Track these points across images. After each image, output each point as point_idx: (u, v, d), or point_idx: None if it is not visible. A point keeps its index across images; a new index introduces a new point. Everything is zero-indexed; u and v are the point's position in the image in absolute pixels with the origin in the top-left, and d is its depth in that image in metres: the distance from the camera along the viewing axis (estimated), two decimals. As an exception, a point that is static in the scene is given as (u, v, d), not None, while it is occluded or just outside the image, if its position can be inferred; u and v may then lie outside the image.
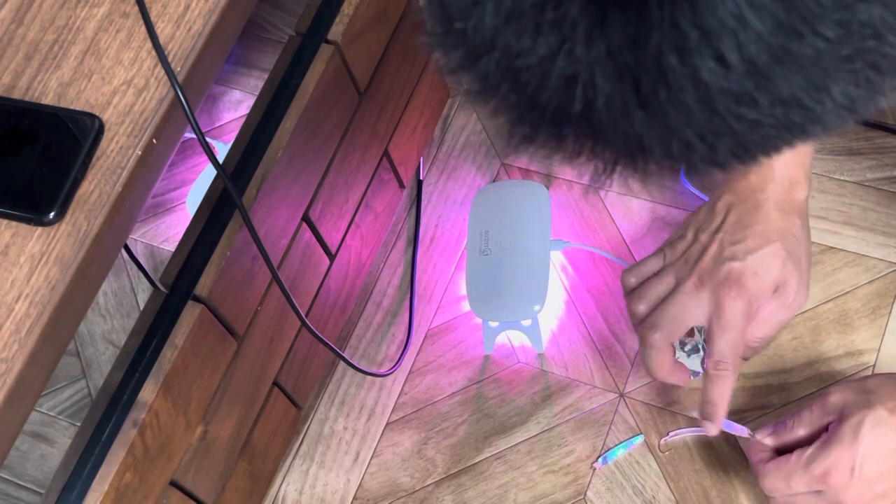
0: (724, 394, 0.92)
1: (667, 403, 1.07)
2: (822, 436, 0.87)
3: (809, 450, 0.84)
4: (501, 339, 1.13)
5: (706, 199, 1.02)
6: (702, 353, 1.02)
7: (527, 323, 1.10)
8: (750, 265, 0.92)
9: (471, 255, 1.13)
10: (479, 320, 1.12)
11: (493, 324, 1.11)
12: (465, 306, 1.15)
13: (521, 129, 0.45)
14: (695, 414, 0.97)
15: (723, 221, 0.95)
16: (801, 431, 0.89)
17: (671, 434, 1.06)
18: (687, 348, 1.02)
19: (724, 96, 0.39)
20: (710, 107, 0.39)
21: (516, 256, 1.11)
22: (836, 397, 0.87)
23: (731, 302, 0.91)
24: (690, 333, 1.05)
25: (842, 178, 1.16)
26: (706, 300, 0.93)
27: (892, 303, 1.09)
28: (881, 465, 0.81)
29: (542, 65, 0.40)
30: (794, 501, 0.87)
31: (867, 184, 1.15)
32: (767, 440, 0.92)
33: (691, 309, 0.93)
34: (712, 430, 0.93)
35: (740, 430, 0.96)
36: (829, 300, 1.10)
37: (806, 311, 1.09)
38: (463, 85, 0.45)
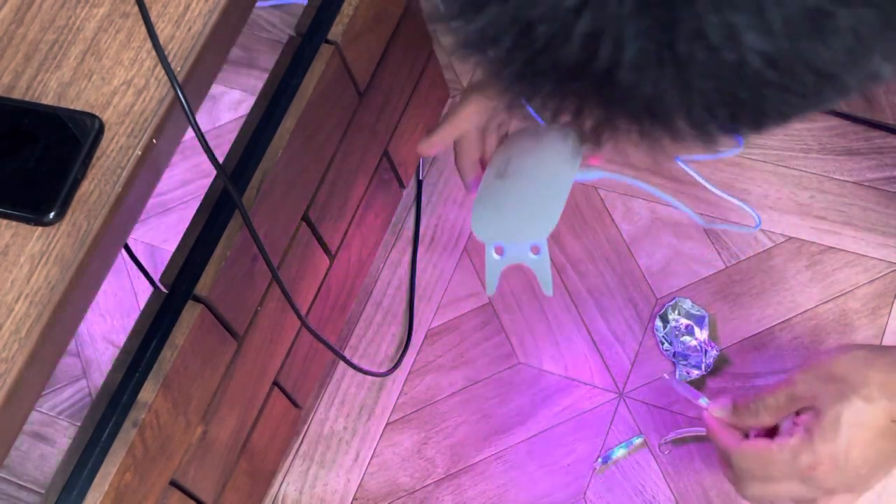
0: None
1: (667, 403, 1.07)
2: (797, 422, 0.84)
3: (793, 441, 0.82)
4: (501, 338, 1.13)
5: (699, 178, 1.00)
6: (702, 352, 1.02)
7: (535, 255, 0.97)
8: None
9: (486, 178, 1.01)
10: (487, 254, 0.99)
11: (496, 256, 0.99)
12: (466, 306, 1.15)
13: (518, 87, 0.42)
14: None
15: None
16: (766, 418, 0.86)
17: (671, 434, 1.06)
18: (687, 349, 1.02)
19: (759, 58, 0.38)
20: (742, 68, 0.38)
21: (535, 181, 0.99)
22: (803, 387, 0.84)
23: None
24: (689, 331, 1.06)
25: (841, 178, 1.16)
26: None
27: (892, 303, 1.09)
28: (865, 452, 0.81)
29: (563, 18, 0.38)
30: (771, 488, 0.85)
31: (867, 184, 1.15)
32: (722, 413, 0.89)
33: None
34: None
35: (695, 397, 0.92)
36: (829, 300, 1.10)
37: (806, 310, 1.09)
38: (444, 33, 0.42)
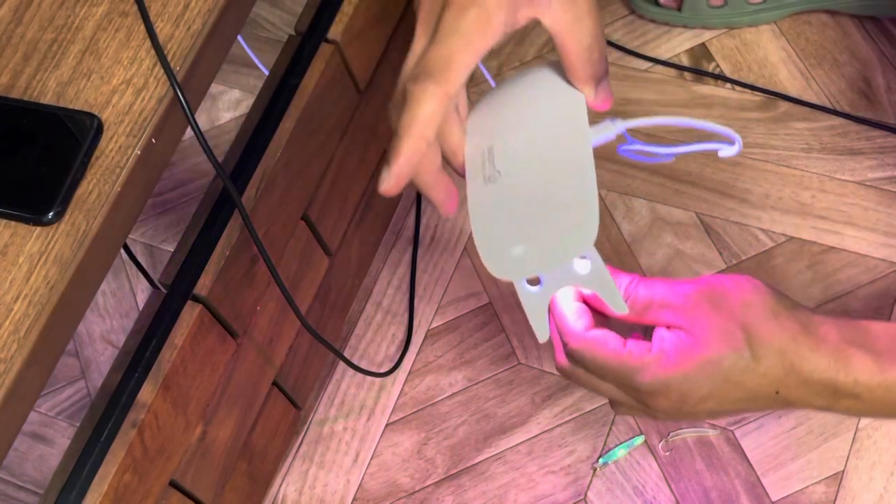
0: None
1: (667, 404, 1.07)
2: (663, 336, 0.69)
3: (649, 359, 0.67)
4: (501, 338, 1.12)
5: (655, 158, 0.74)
6: None
7: (583, 268, 0.69)
8: None
9: (473, 188, 0.70)
10: (504, 280, 0.70)
11: (533, 289, 0.70)
12: (466, 306, 1.15)
13: None
14: None
15: None
16: (629, 314, 0.70)
17: (672, 435, 1.05)
18: None
19: None
20: None
21: (539, 166, 0.68)
22: (692, 309, 0.68)
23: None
24: None
25: (843, 177, 1.16)
26: None
27: (894, 303, 1.09)
28: (721, 407, 0.69)
29: None
30: (595, 383, 0.71)
31: (868, 184, 1.15)
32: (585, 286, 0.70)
33: None
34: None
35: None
36: (831, 300, 1.09)
37: (807, 311, 1.09)
38: None
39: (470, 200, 0.69)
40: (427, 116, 0.64)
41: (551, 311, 0.72)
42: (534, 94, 0.71)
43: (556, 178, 0.67)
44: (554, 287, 0.70)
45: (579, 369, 0.71)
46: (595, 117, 0.69)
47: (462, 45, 0.64)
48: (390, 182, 0.65)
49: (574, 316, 0.71)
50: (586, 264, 0.68)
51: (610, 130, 0.68)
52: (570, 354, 0.71)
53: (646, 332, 0.71)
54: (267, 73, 0.95)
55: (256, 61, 1.30)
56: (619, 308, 0.69)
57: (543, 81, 0.71)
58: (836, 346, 0.67)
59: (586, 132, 0.67)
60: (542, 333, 0.70)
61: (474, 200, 0.69)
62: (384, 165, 0.66)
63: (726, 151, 0.70)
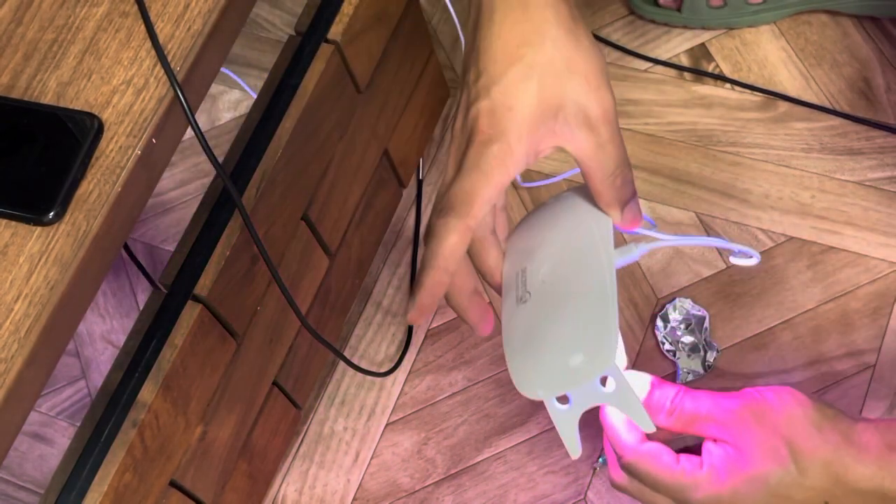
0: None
1: (667, 404, 1.07)
2: (712, 450, 0.71)
3: (701, 477, 0.70)
4: (501, 338, 1.11)
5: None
6: (703, 352, 1.02)
7: (611, 386, 0.70)
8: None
9: (506, 308, 0.73)
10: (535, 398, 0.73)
11: (562, 407, 0.72)
12: (466, 306, 1.15)
13: None
14: None
15: None
16: (676, 425, 0.72)
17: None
18: (687, 349, 1.02)
19: None
20: None
21: (566, 288, 0.71)
22: (736, 423, 0.70)
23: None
24: (690, 331, 1.05)
25: (843, 177, 1.16)
26: None
27: (894, 303, 1.09)
28: None
29: None
30: (649, 495, 0.74)
31: (868, 184, 1.15)
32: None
33: None
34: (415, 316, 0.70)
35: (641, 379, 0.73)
36: (830, 300, 1.09)
37: (807, 310, 1.09)
38: None
39: (503, 320, 0.73)
40: (448, 250, 0.68)
41: (603, 426, 0.74)
42: (564, 217, 0.75)
43: (577, 300, 0.69)
44: (582, 405, 0.71)
45: (635, 482, 0.73)
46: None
47: (482, 180, 0.68)
48: (415, 313, 0.70)
49: (625, 430, 0.72)
50: (613, 382, 0.69)
51: (633, 252, 0.71)
52: (625, 468, 0.73)
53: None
54: (254, 95, 0.94)
55: (242, 84, 1.30)
56: (646, 427, 0.71)
57: (574, 205, 0.74)
58: (878, 453, 0.68)
59: (610, 255, 0.69)
60: (574, 450, 0.73)
61: (507, 320, 0.72)
62: (410, 296, 0.70)
63: (739, 259, 0.73)
